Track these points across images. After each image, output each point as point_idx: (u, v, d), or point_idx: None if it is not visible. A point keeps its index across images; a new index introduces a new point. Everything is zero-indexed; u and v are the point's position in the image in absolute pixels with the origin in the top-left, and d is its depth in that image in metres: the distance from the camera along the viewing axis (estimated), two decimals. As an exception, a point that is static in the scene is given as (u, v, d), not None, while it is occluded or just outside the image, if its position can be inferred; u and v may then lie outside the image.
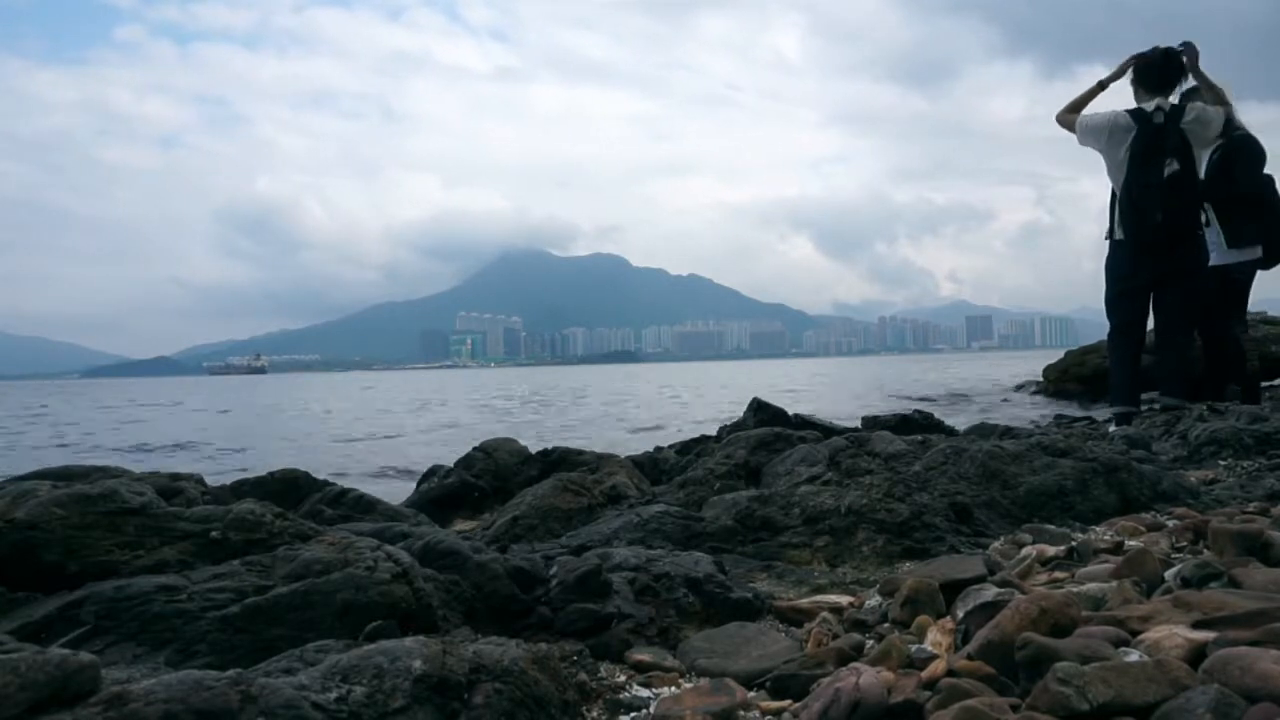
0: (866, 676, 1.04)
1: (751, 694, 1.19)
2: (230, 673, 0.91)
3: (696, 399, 15.61)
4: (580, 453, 3.51)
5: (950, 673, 1.08)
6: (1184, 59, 4.42)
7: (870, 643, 1.35)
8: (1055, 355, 11.22)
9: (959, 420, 5.34)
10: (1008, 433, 3.15)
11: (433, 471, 3.42)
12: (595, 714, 1.16)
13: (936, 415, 4.56)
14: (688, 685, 1.26)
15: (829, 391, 16.48)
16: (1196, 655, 1.03)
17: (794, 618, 1.57)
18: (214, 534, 1.51)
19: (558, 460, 3.39)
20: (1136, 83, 4.54)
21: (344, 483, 2.71)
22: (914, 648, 1.25)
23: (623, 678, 1.29)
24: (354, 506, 2.47)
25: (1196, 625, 1.12)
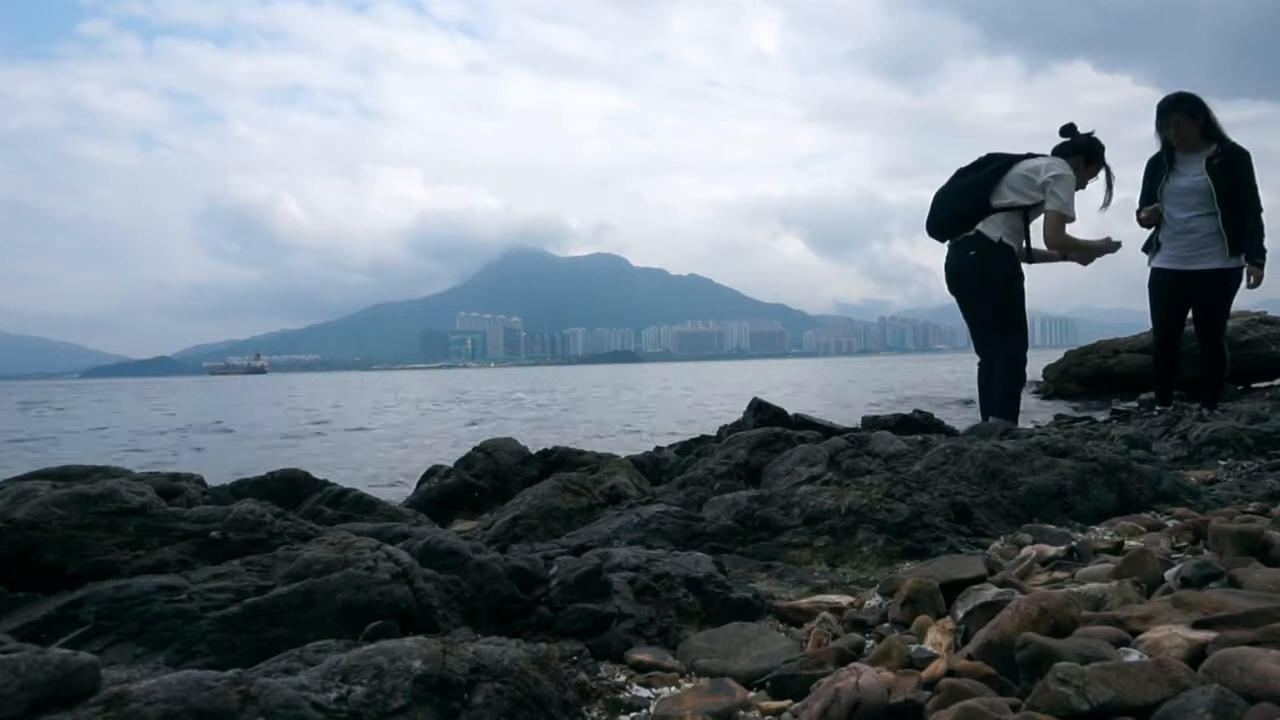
0: (866, 676, 1.04)
1: (751, 694, 1.19)
2: (230, 673, 0.91)
3: (696, 399, 15.61)
4: (580, 453, 3.50)
5: (950, 673, 1.08)
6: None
7: (870, 643, 1.35)
8: (1055, 355, 11.22)
9: (959, 420, 5.34)
10: (1008, 433, 3.15)
11: (433, 471, 3.42)
12: (595, 714, 1.17)
13: (936, 415, 4.56)
14: (688, 685, 1.26)
15: (829, 391, 16.48)
16: (1196, 655, 1.03)
17: (794, 618, 1.57)
18: (214, 534, 1.52)
19: (558, 460, 3.39)
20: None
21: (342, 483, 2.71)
22: (914, 648, 1.25)
23: (623, 678, 1.29)
24: (354, 506, 2.47)
25: (1196, 625, 1.12)
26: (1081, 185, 4.52)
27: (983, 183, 4.41)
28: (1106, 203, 4.72)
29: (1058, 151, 4.53)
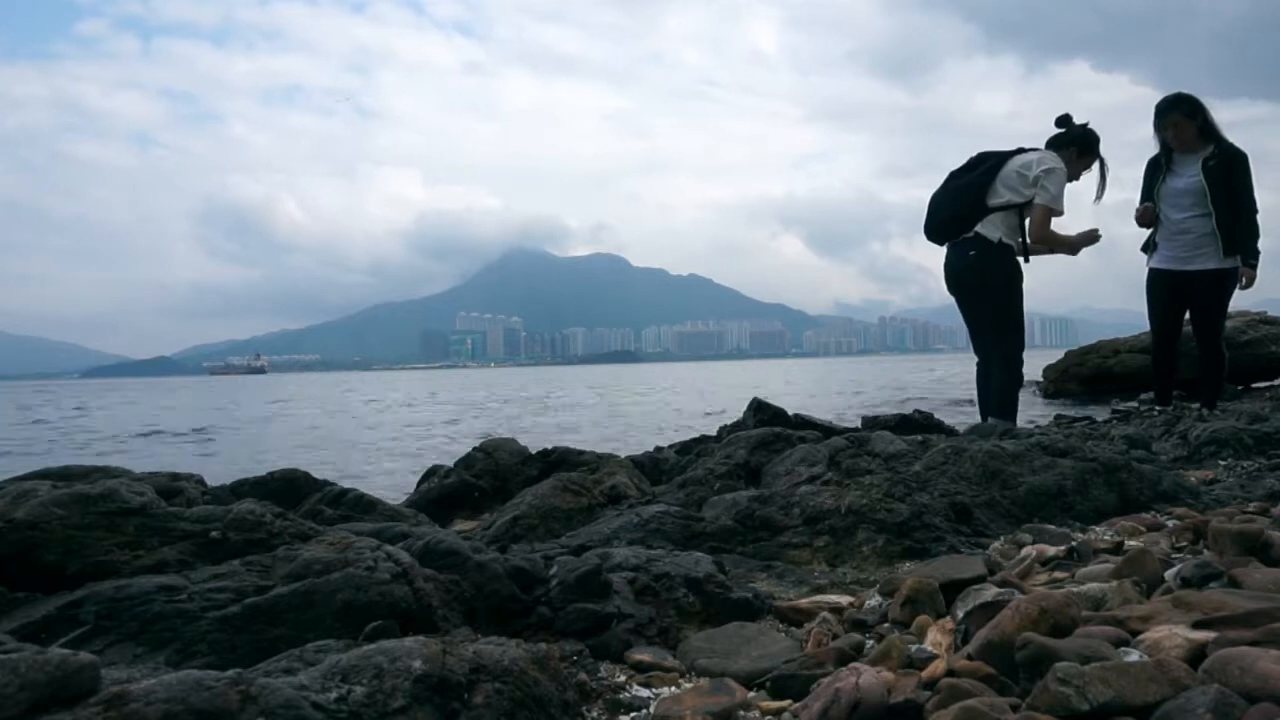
0: (866, 676, 1.04)
1: (751, 694, 1.19)
2: (230, 673, 0.91)
3: (696, 399, 15.61)
4: (580, 453, 3.50)
5: (950, 673, 1.08)
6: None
7: (870, 643, 1.35)
8: (1055, 355, 11.23)
9: (959, 420, 5.34)
10: (1008, 433, 3.15)
11: (433, 471, 3.42)
12: (595, 714, 1.17)
13: (936, 415, 4.56)
14: (688, 685, 1.26)
15: (829, 391, 16.48)
16: (1196, 655, 1.03)
17: (794, 618, 1.57)
18: (214, 534, 1.52)
19: (558, 460, 3.38)
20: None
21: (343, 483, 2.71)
22: (914, 648, 1.25)
23: (623, 678, 1.29)
24: (354, 506, 2.47)
25: (1196, 625, 1.12)
26: (1075, 177, 4.53)
27: (977, 183, 4.41)
28: (1100, 194, 4.72)
29: (1052, 142, 4.53)
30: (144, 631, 1.21)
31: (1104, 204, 4.87)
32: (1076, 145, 4.52)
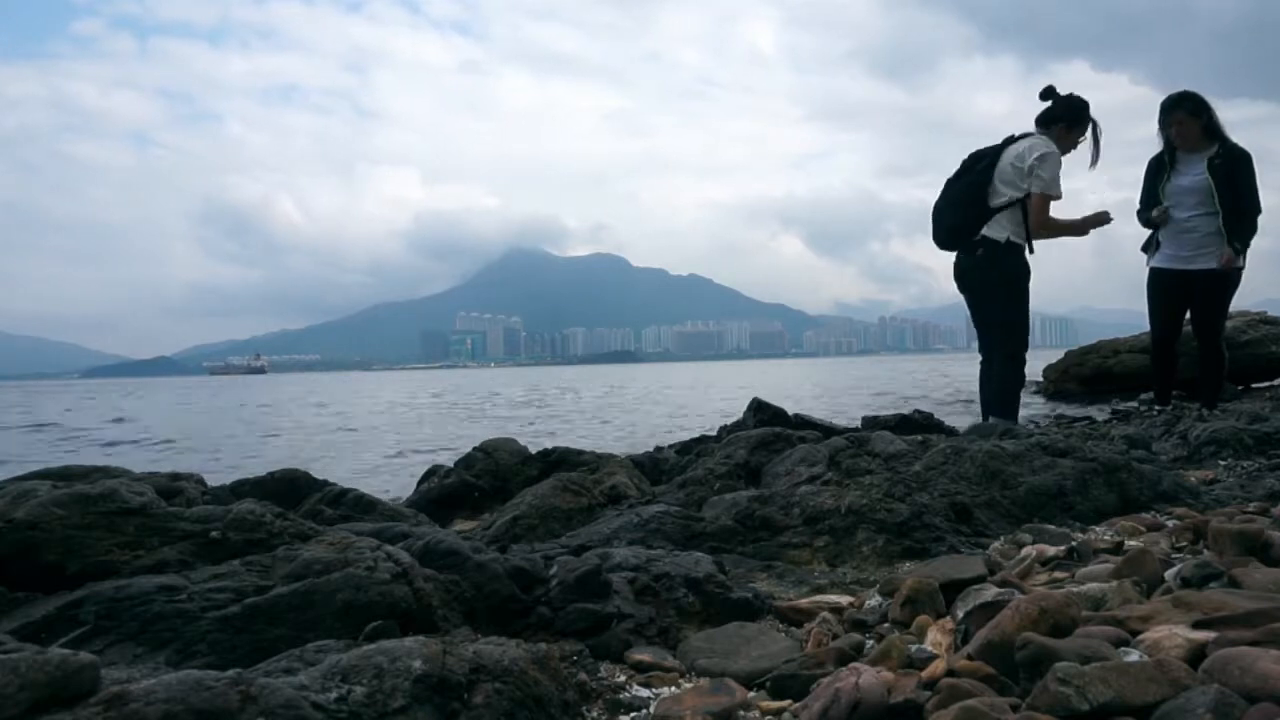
0: (866, 676, 1.04)
1: (751, 694, 1.19)
2: (230, 673, 0.91)
3: (696, 399, 15.59)
4: (580, 453, 3.50)
5: (950, 673, 1.08)
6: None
7: (870, 643, 1.35)
8: (1055, 355, 11.22)
9: (959, 420, 5.34)
10: (1008, 433, 3.15)
11: (433, 471, 3.42)
12: (595, 714, 1.17)
13: (936, 415, 4.56)
14: (688, 685, 1.26)
15: (829, 391, 16.47)
16: (1196, 655, 1.03)
17: (794, 618, 1.57)
18: (214, 534, 1.52)
19: (558, 460, 3.38)
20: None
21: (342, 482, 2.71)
22: (914, 648, 1.25)
23: (623, 678, 1.29)
24: (354, 506, 2.47)
25: (1196, 625, 1.12)
26: (1069, 149, 4.49)
27: (977, 184, 4.40)
28: (1094, 160, 4.64)
29: (1040, 119, 4.48)
30: (144, 631, 1.21)
31: (1104, 203, 4.84)
32: (1064, 120, 4.46)
